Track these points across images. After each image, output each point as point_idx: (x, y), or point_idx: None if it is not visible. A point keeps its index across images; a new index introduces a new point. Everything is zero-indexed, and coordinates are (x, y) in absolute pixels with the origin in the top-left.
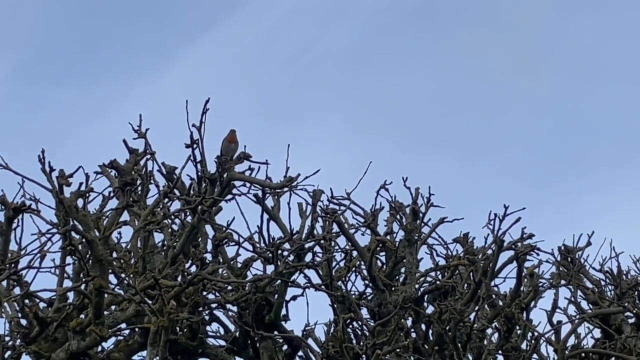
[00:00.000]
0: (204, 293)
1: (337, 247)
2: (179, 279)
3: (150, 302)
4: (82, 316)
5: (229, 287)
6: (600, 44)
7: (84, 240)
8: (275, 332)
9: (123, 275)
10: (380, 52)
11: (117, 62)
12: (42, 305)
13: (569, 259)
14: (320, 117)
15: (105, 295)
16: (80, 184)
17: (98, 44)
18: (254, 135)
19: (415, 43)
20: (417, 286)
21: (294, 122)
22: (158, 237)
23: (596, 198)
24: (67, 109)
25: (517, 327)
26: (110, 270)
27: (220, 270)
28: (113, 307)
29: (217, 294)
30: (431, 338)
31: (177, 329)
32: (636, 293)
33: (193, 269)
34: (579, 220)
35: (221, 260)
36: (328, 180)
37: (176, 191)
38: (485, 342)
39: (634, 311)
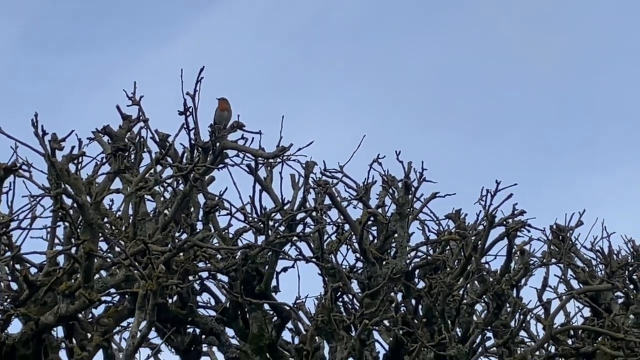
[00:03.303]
0: (195, 262)
1: (328, 220)
2: (169, 245)
3: (139, 266)
4: (72, 281)
5: (219, 256)
6: (611, 22)
7: (75, 205)
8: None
9: (113, 239)
10: (385, 27)
11: (122, 32)
12: (33, 270)
13: (561, 237)
14: (324, 92)
15: (95, 260)
16: (73, 147)
17: (104, 12)
18: (256, 107)
19: (421, 17)
20: (407, 260)
21: (297, 96)
22: (150, 206)
23: (597, 179)
24: (70, 77)
25: (507, 305)
26: (101, 236)
27: (210, 238)
28: (103, 273)
29: (207, 262)
30: (421, 313)
31: (167, 297)
32: (626, 273)
33: (184, 237)
34: (577, 201)
35: (212, 228)
36: (325, 154)
37: (169, 159)
38: (475, 317)
39: (623, 290)
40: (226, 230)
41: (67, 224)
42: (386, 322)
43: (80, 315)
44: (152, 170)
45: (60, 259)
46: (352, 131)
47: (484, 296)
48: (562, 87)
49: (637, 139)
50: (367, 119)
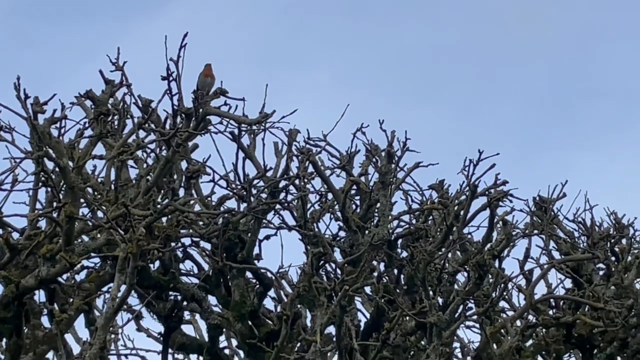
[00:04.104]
0: (177, 228)
1: (311, 189)
2: (151, 210)
3: (120, 230)
4: (53, 244)
5: (201, 223)
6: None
7: (56, 168)
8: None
9: (95, 203)
10: (374, 1)
11: (112, 2)
12: (15, 235)
13: (543, 209)
14: (311, 65)
15: (76, 223)
16: (54, 110)
17: None
18: (242, 78)
19: None
20: (390, 229)
21: (284, 68)
22: (133, 173)
23: (583, 155)
24: (60, 46)
25: (489, 276)
26: (83, 202)
27: (193, 205)
28: (85, 238)
29: (189, 229)
30: (403, 282)
31: (149, 263)
32: (608, 244)
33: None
34: (563, 176)
35: (195, 194)
36: (310, 124)
37: (151, 124)
38: (456, 286)
39: (604, 261)
40: (209, 198)
41: (48, 188)
42: (368, 290)
43: (62, 280)
44: (134, 136)
45: (42, 224)
46: (337, 105)
47: (466, 266)
48: (551, 63)
49: (624, 115)
50: (354, 93)
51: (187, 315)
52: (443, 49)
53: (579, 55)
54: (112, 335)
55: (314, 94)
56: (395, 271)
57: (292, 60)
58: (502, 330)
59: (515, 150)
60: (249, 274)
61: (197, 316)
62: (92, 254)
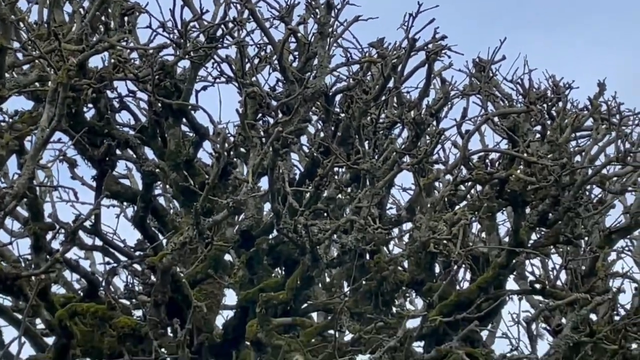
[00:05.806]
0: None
1: (250, 42)
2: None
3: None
4: None
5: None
6: None
7: None
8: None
9: (28, 37)
10: None
11: None
12: None
13: (482, 69)
14: None
15: (7, 57)
16: None
17: None
18: None
19: None
20: (327, 84)
21: None
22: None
23: (534, 38)
24: None
25: (427, 137)
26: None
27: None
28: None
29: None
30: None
31: (83, 104)
32: (545, 107)
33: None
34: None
35: (129, 32)
36: None
37: None
38: (391, 141)
39: (540, 120)
40: (147, 46)
41: None
42: (304, 142)
43: None
44: None
45: None
46: None
47: (403, 117)
48: None
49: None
50: None
51: (123, 170)
52: None
53: None
54: (48, 185)
55: None
56: (333, 128)
57: None
58: (436, 184)
59: (463, 29)
60: (185, 128)
61: (134, 171)
62: (23, 90)
